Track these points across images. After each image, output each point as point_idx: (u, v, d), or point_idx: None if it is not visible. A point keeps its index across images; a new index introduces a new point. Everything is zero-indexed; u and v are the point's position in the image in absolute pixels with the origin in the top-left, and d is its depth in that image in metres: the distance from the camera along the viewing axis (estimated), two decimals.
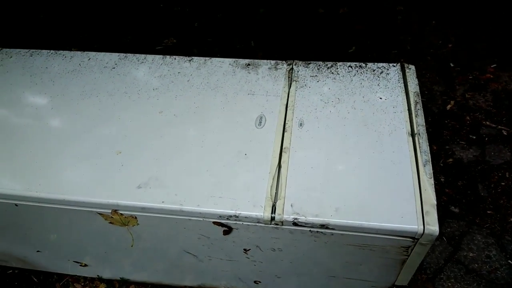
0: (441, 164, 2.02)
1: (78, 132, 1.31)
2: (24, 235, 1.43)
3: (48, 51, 1.63)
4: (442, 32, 2.91)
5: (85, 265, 1.58)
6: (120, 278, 1.65)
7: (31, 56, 1.61)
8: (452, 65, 2.66)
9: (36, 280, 1.74)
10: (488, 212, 1.80)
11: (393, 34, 2.94)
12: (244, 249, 1.27)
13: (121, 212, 1.18)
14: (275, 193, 1.14)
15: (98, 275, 1.67)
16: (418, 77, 1.40)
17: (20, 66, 1.57)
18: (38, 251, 1.54)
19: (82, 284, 1.70)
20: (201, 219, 1.15)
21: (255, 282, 1.49)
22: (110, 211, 1.18)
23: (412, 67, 1.44)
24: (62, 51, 1.62)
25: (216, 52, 2.99)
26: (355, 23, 3.07)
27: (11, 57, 1.61)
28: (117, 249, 1.39)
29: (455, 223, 1.76)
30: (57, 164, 1.24)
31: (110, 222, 1.23)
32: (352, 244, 1.14)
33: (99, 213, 1.20)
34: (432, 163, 1.21)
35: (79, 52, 1.61)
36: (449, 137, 2.16)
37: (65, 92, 1.44)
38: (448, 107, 2.33)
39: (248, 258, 1.32)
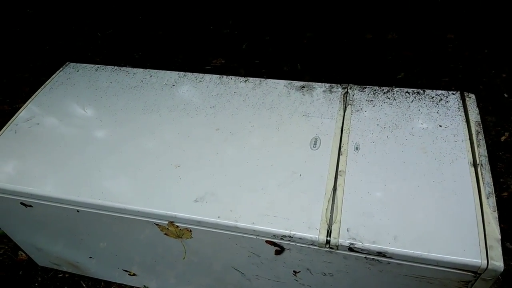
0: (496, 198, 1.93)
1: (139, 145, 1.37)
2: (80, 241, 1.49)
3: (112, 67, 1.73)
4: (495, 61, 2.83)
5: (134, 275, 1.62)
6: None
7: (96, 71, 1.71)
8: (506, 95, 2.57)
9: (84, 285, 1.79)
10: None
11: (443, 62, 2.89)
12: (294, 271, 1.26)
13: (177, 224, 1.20)
14: (331, 216, 1.13)
15: (144, 285, 1.70)
16: (477, 106, 1.37)
17: (86, 80, 1.67)
18: (90, 257, 1.60)
19: None
20: (255, 237, 1.16)
21: None
22: (166, 222, 1.21)
23: (472, 95, 1.41)
24: (125, 67, 1.71)
25: (263, 74, 3.04)
26: (404, 49, 3.05)
27: (78, 71, 1.72)
28: (167, 260, 1.42)
29: (511, 260, 1.67)
30: (118, 174, 1.29)
31: (165, 234, 1.27)
32: (408, 275, 1.11)
33: (156, 224, 1.23)
34: None
35: (141, 69, 1.69)
36: (504, 170, 2.07)
37: (128, 107, 1.52)
38: (503, 138, 2.25)
39: (296, 280, 1.31)
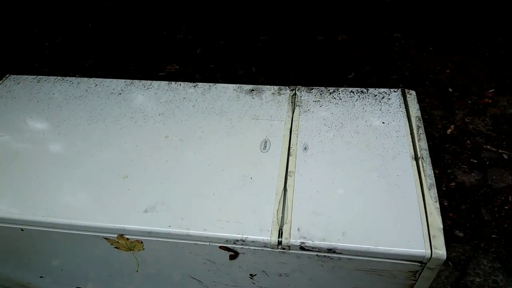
0: (444, 188, 2.03)
1: (85, 157, 1.33)
2: (28, 261, 1.42)
3: (55, 77, 1.66)
4: (440, 57, 2.98)
5: None
6: None
7: (38, 82, 1.65)
8: (450, 90, 2.71)
9: None
10: (493, 236, 1.80)
11: (391, 60, 3.00)
12: (250, 275, 1.26)
13: (127, 236, 1.17)
14: (282, 217, 1.14)
15: None
16: (417, 102, 1.44)
17: (27, 92, 1.60)
18: (41, 277, 1.52)
19: None
20: (208, 243, 1.15)
21: None
22: (116, 235, 1.18)
23: (413, 92, 1.47)
24: (69, 77, 1.65)
25: (218, 78, 3.04)
26: (354, 50, 3.15)
27: (19, 83, 1.65)
28: (121, 274, 1.38)
29: (460, 247, 1.75)
30: (63, 188, 1.24)
31: (116, 247, 1.23)
32: (360, 269, 1.14)
33: (105, 238, 1.19)
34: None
35: (85, 79, 1.64)
36: (451, 161, 2.17)
37: (72, 118, 1.47)
38: (449, 131, 2.36)
39: (254, 283, 1.31)
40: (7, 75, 1.68)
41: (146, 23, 3.70)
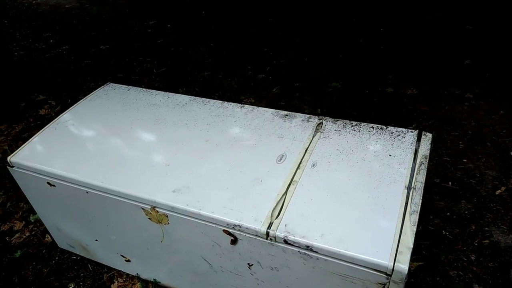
0: (475, 244, 2.00)
1: (143, 147, 1.70)
2: (89, 223, 1.81)
3: (141, 88, 2.12)
4: (509, 122, 2.91)
5: (128, 260, 1.90)
6: (154, 279, 1.92)
7: (128, 90, 2.12)
8: None
9: (90, 268, 2.09)
10: None
11: (457, 119, 3.01)
12: (248, 264, 1.47)
13: (157, 209, 1.49)
14: (277, 214, 1.35)
15: (137, 273, 1.97)
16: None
17: (118, 97, 2.07)
18: (96, 240, 1.91)
19: (124, 279, 2.01)
20: (214, 225, 1.40)
21: None
22: (149, 207, 1.50)
23: (429, 134, 1.59)
24: (150, 89, 2.10)
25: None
26: (421, 104, 3.22)
27: (115, 89, 2.14)
28: (151, 244, 1.69)
29: None
30: (121, 166, 1.62)
31: (149, 218, 1.55)
32: (336, 273, 1.28)
33: (142, 208, 1.52)
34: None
35: (162, 92, 2.07)
36: (491, 220, 2.13)
37: (144, 118, 1.88)
38: (498, 192, 2.31)
39: (252, 274, 1.51)
40: (108, 83, 2.19)
41: (238, 64, 4.23)
